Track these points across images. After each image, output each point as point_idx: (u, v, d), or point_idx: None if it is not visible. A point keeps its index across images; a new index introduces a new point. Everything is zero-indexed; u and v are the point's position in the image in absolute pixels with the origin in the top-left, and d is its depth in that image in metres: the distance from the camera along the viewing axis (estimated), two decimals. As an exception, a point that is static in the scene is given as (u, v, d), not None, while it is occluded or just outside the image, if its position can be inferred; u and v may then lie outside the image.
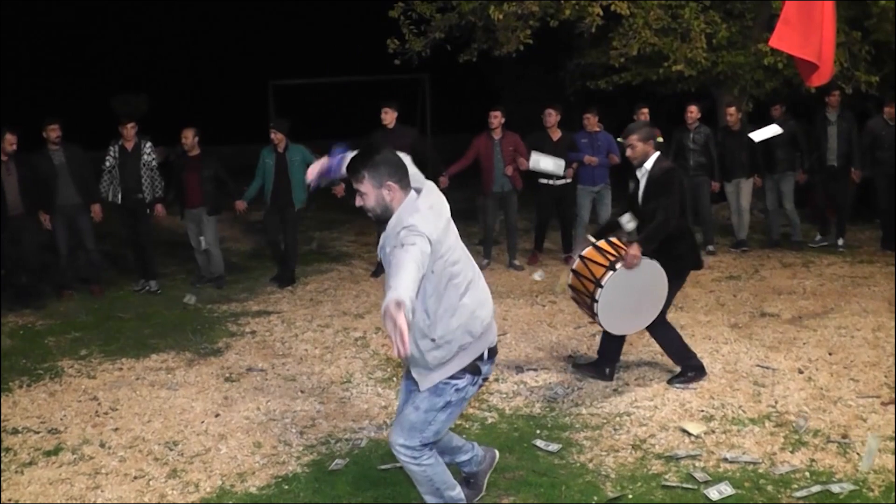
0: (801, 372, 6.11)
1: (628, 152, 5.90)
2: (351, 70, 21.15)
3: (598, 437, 5.10)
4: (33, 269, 9.29)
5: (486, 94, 17.89)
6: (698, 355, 6.06)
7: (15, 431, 5.63)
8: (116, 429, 5.58)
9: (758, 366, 6.28)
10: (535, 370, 6.37)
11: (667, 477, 4.55)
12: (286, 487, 4.63)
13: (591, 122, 10.32)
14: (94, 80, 30.23)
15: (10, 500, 4.65)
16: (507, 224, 10.33)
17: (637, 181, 5.87)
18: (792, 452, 4.80)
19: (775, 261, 10.12)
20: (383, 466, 4.81)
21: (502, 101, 14.95)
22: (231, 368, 6.75)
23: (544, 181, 10.23)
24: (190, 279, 10.10)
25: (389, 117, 9.70)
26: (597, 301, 5.50)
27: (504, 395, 5.90)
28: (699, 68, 12.08)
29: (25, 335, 8.14)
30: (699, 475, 4.53)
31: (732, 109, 10.85)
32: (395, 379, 6.33)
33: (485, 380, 3.87)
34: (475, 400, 5.78)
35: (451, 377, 3.68)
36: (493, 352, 3.82)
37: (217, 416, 5.71)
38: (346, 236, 13.28)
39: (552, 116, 10.10)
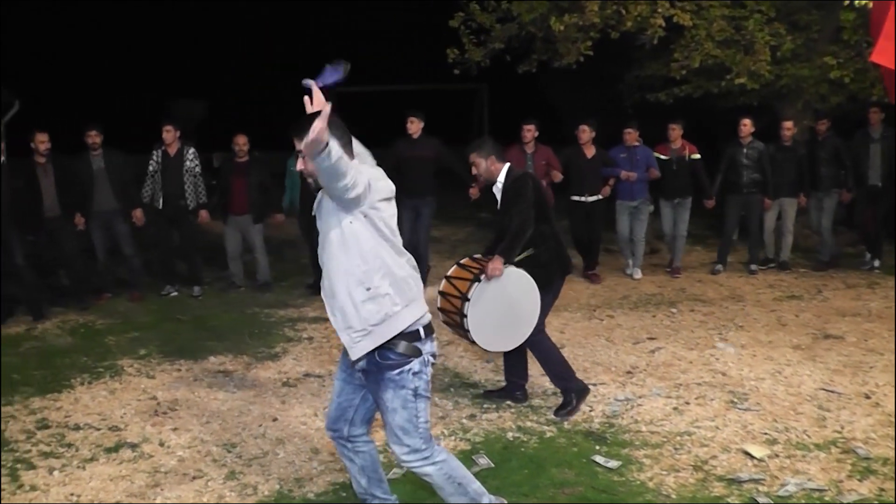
0: (867, 397, 5.96)
1: (473, 170, 5.80)
2: (410, 79, 21.22)
3: (658, 455, 5.03)
4: (73, 270, 9.40)
5: (544, 106, 17.86)
6: (759, 376, 5.94)
7: (77, 427, 5.73)
8: (175, 428, 5.65)
9: (822, 389, 6.13)
10: (594, 384, 6.30)
11: (729, 500, 4.46)
12: (343, 495, 4.63)
13: (631, 136, 10.16)
14: (153, 84, 30.73)
15: (72, 494, 4.72)
16: None
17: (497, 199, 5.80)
18: (860, 481, 4.67)
19: (839, 281, 9.91)
20: (441, 477, 4.79)
21: (560, 113, 14.91)
22: (288, 373, 6.79)
23: (576, 198, 10.15)
24: (219, 286, 10.18)
25: (415, 127, 9.67)
26: (465, 316, 5.32)
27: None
28: (762, 81, 11.89)
29: (86, 333, 8.28)
30: (762, 500, 4.43)
31: (789, 124, 10.58)
32: (452, 389, 6.32)
33: (433, 357, 3.76)
34: (532, 413, 5.75)
35: (400, 365, 3.61)
36: (429, 329, 3.72)
37: (275, 420, 5.74)
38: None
39: (585, 133, 9.95)
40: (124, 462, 5.12)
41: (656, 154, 10.24)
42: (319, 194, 3.70)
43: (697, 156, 10.29)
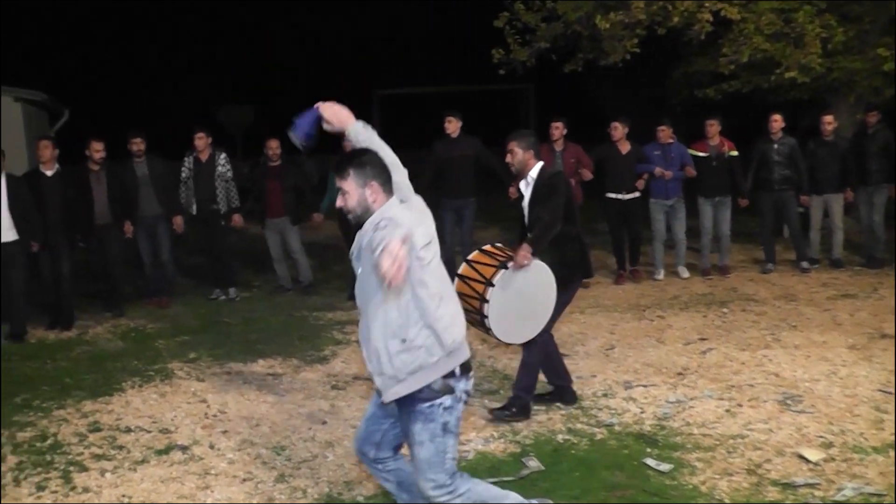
0: (926, 398, 5.81)
1: (507, 158, 5.74)
2: (455, 80, 21.25)
3: (710, 458, 4.94)
4: (116, 277, 9.52)
5: (590, 106, 17.75)
6: (814, 378, 5.81)
7: (128, 430, 5.81)
8: (225, 431, 5.69)
9: (879, 391, 5.98)
10: (644, 386, 6.23)
11: (784, 504, 4.38)
12: (392, 498, 4.62)
13: (665, 133, 10.01)
14: (200, 90, 31.11)
15: (124, 495, 4.78)
16: None
17: (521, 194, 5.73)
18: (920, 484, 4.56)
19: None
20: (490, 480, 4.74)
21: (606, 112, 14.78)
22: (337, 376, 6.82)
23: (612, 195, 10.05)
24: (266, 289, 10.23)
25: (453, 126, 9.62)
26: (487, 301, 5.19)
27: (613, 411, 5.78)
28: (813, 75, 11.66)
29: (137, 337, 8.42)
30: (819, 504, 4.35)
31: (830, 118, 10.37)
32: (501, 392, 6.29)
33: (467, 394, 3.69)
34: (583, 415, 5.70)
35: (432, 399, 3.55)
36: (466, 367, 3.65)
37: (324, 423, 5.75)
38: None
39: (618, 130, 9.88)
40: (175, 464, 5.17)
41: (694, 151, 10.11)
42: (358, 236, 3.62)
43: (735, 152, 10.14)
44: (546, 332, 5.64)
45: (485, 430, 5.55)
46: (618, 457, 5.01)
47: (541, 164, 5.65)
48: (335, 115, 3.81)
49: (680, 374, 6.54)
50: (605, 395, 6.07)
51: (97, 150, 9.04)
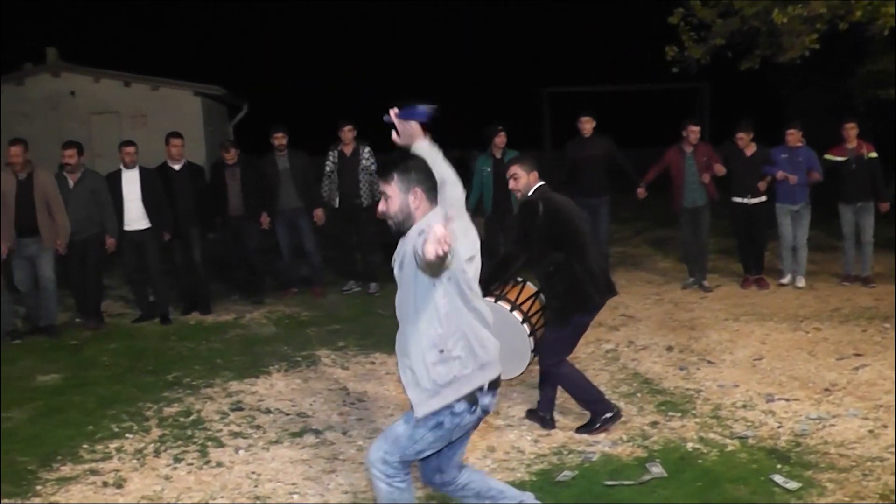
0: None
1: (511, 184, 5.44)
2: (627, 78, 20.95)
3: (843, 480, 4.72)
4: (254, 267, 9.92)
5: (769, 104, 17.08)
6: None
7: (267, 411, 6.15)
8: (360, 419, 5.92)
9: None
10: (787, 400, 6.01)
11: (918, 534, 4.15)
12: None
13: (793, 137, 9.54)
14: (377, 86, 32.00)
15: (253, 472, 5.08)
16: (698, 242, 9.85)
17: None
18: None
19: None
20: (610, 482, 4.76)
21: (785, 112, 14.23)
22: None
23: (737, 199, 9.71)
24: None
25: (587, 127, 9.66)
26: None
27: (749, 424, 5.62)
28: None
29: (290, 324, 8.85)
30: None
31: None
32: (639, 395, 6.24)
33: (485, 412, 3.64)
34: (717, 425, 5.57)
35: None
36: (494, 384, 3.60)
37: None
38: (612, 247, 13.17)
39: (743, 140, 9.56)
40: (306, 447, 5.44)
41: (831, 156, 9.61)
42: (401, 244, 3.62)
43: (874, 154, 9.55)
44: (554, 365, 5.48)
45: (614, 432, 5.53)
46: (745, 471, 4.88)
47: (538, 185, 5.39)
48: (406, 130, 3.72)
49: (827, 389, 6.25)
50: (744, 407, 5.91)
51: (232, 157, 9.53)
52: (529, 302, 5.34)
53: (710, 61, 12.88)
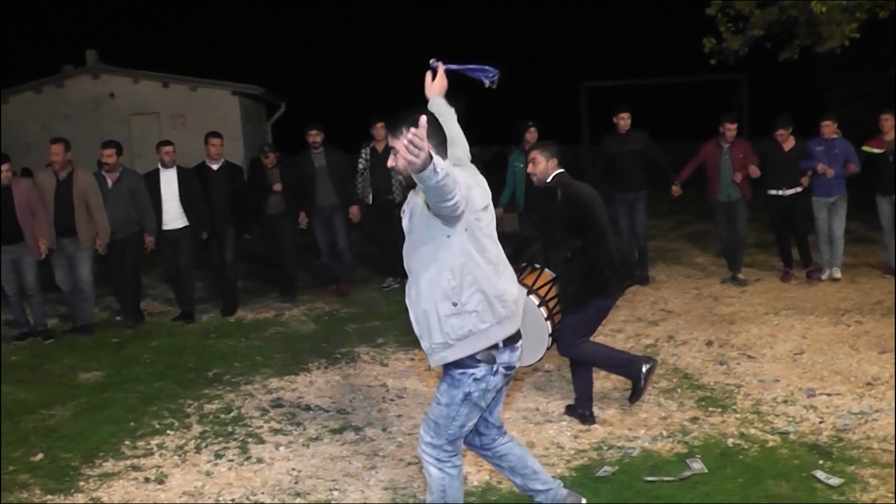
0: None
1: (530, 167, 5.43)
2: (665, 71, 20.76)
3: (887, 476, 4.64)
4: (289, 266, 9.97)
5: (808, 96, 16.85)
6: None
7: (307, 408, 6.20)
8: (399, 415, 5.95)
9: None
10: (828, 395, 5.94)
11: (965, 530, 4.08)
12: (551, 488, 4.68)
13: (829, 129, 9.41)
14: (416, 83, 32.05)
15: (294, 469, 5.12)
16: (735, 235, 9.73)
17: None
18: None
19: None
20: (650, 478, 4.73)
21: (825, 103, 14.02)
22: (517, 368, 6.90)
23: (773, 192, 9.60)
24: None
25: (624, 121, 9.60)
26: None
27: (790, 419, 5.55)
28: None
29: (329, 321, 8.90)
30: None
31: None
32: (679, 390, 6.20)
33: (508, 369, 3.62)
34: (758, 420, 5.52)
35: (466, 367, 3.52)
36: (511, 340, 3.58)
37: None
38: (651, 241, 13.08)
39: (783, 135, 9.45)
40: (346, 444, 5.47)
41: (869, 148, 9.45)
42: (410, 195, 3.64)
43: None
44: (573, 347, 5.49)
45: (654, 427, 5.50)
46: (787, 466, 4.83)
47: (557, 172, 5.38)
48: (441, 83, 4.02)
49: (869, 384, 6.16)
50: (784, 402, 5.84)
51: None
52: (546, 287, 5.34)
53: (749, 52, 12.76)
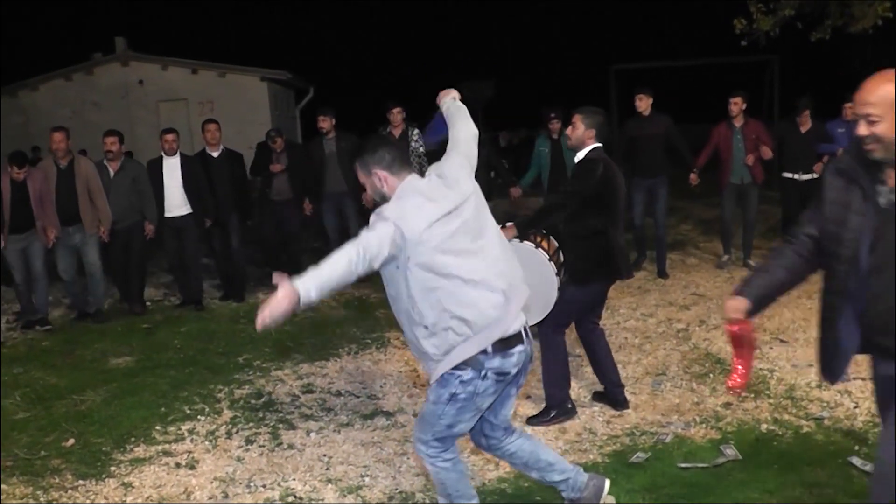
0: None
1: (568, 130, 5.35)
2: (695, 53, 20.55)
3: (925, 462, 4.59)
4: (293, 253, 9.94)
5: (840, 77, 16.57)
6: None
7: (338, 394, 6.21)
8: (431, 401, 5.92)
9: None
10: (863, 379, 5.83)
11: None
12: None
13: (851, 109, 9.21)
14: (443, 67, 31.97)
15: (325, 455, 5.13)
16: (745, 219, 9.62)
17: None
18: None
19: None
20: (683, 465, 4.69)
21: (857, 85, 13.73)
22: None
23: (788, 174, 9.50)
24: None
25: (644, 104, 9.44)
26: None
27: (825, 404, 5.49)
28: None
29: (360, 306, 8.89)
30: None
31: None
32: (711, 375, 6.14)
33: (501, 374, 3.58)
34: (792, 406, 5.46)
35: (455, 368, 3.52)
36: (504, 345, 3.54)
37: (528, 397, 5.83)
38: (683, 224, 12.99)
39: (805, 116, 9.38)
40: (378, 429, 5.47)
41: None
42: None
43: None
44: (557, 332, 5.41)
45: (687, 413, 5.46)
46: (822, 453, 4.77)
47: (594, 146, 5.28)
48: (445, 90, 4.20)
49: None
50: (818, 387, 5.77)
51: (280, 146, 9.62)
52: (548, 246, 5.44)
53: (780, 33, 12.55)
